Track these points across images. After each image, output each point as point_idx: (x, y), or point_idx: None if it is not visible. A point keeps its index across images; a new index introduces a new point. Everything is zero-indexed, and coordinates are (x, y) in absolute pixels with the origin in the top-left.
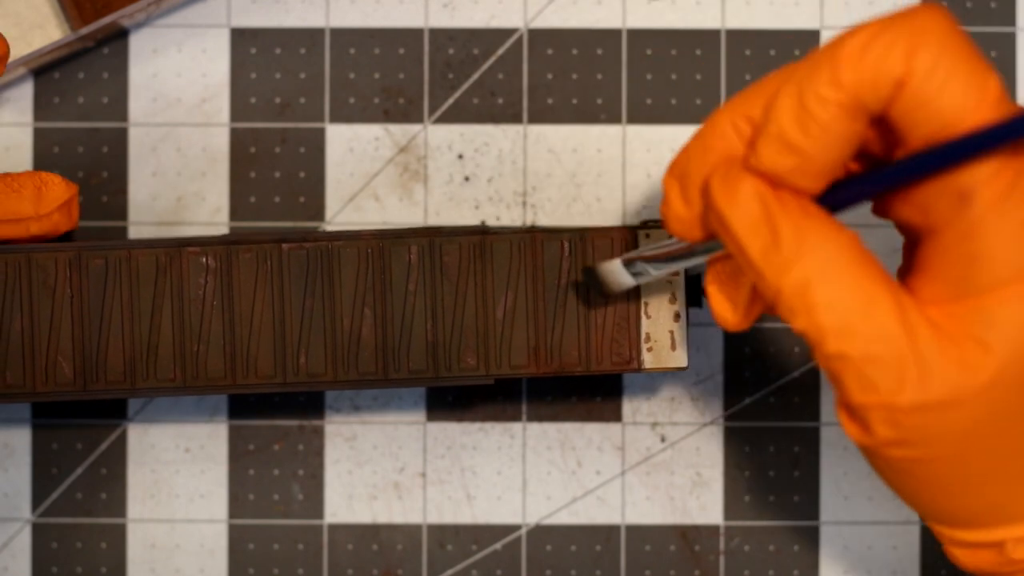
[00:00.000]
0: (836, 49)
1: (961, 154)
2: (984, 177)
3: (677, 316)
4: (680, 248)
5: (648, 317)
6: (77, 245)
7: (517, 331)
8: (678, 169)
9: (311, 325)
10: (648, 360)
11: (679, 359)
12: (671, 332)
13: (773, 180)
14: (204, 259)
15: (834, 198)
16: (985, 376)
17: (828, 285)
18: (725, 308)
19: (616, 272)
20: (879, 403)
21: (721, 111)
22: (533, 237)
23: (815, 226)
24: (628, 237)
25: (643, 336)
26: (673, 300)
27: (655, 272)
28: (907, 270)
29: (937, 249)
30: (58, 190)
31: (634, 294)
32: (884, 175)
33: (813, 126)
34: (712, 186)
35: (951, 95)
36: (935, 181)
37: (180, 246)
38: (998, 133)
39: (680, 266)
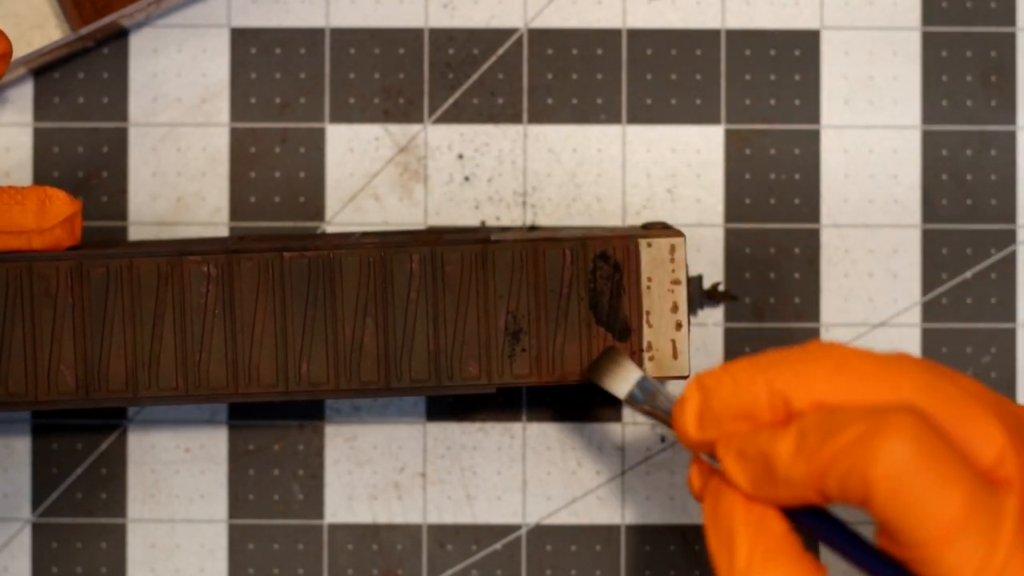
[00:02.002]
0: (814, 451)
1: None
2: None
3: (679, 325)
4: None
5: (650, 326)
6: (78, 254)
7: (519, 340)
8: (705, 390)
9: (313, 334)
10: (650, 369)
11: (681, 368)
12: (673, 341)
13: (752, 497)
14: (205, 268)
15: (809, 531)
16: None
17: None
18: (692, 424)
19: (626, 378)
20: None
21: (765, 371)
22: (535, 246)
23: (767, 562)
24: (629, 247)
25: (645, 345)
26: (675, 309)
27: (649, 403)
28: None
29: None
30: (62, 205)
31: (636, 302)
32: (862, 556)
33: (786, 493)
34: (705, 498)
35: (906, 525)
36: None
37: (181, 255)
38: None
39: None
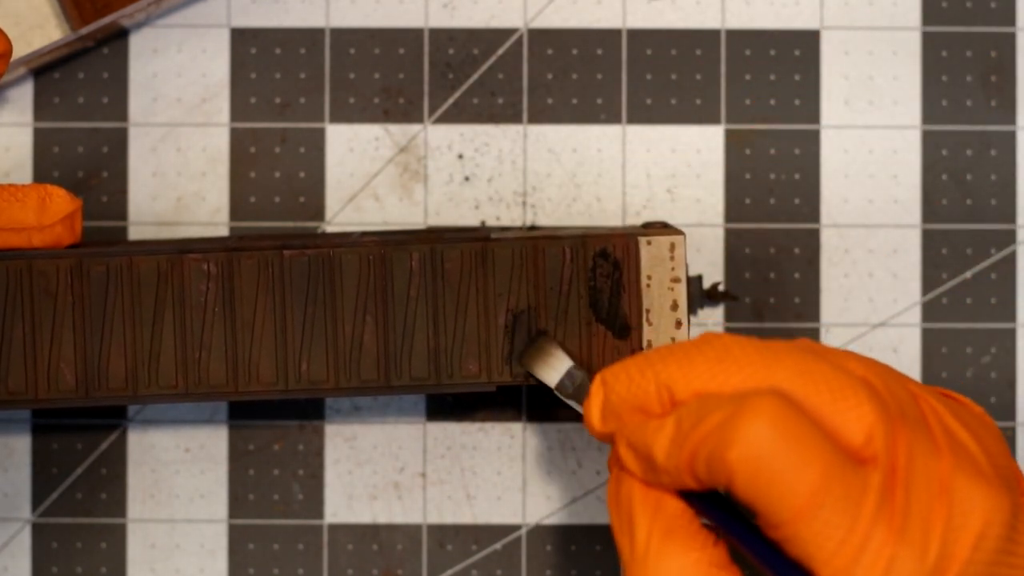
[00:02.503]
0: (685, 439)
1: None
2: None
3: (679, 323)
4: None
5: (650, 324)
6: (78, 252)
7: (519, 338)
8: (606, 385)
9: (313, 332)
10: None
11: None
12: (673, 339)
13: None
14: (205, 266)
15: (705, 513)
16: None
17: None
18: (596, 417)
19: (555, 364)
20: None
21: (654, 365)
22: (535, 244)
23: (664, 542)
24: (629, 245)
25: (645, 343)
26: (675, 307)
27: (575, 393)
28: None
29: None
30: (62, 203)
31: (635, 300)
32: (743, 538)
33: (667, 480)
34: (608, 485)
35: (767, 505)
36: None
37: (181, 253)
38: None
39: None
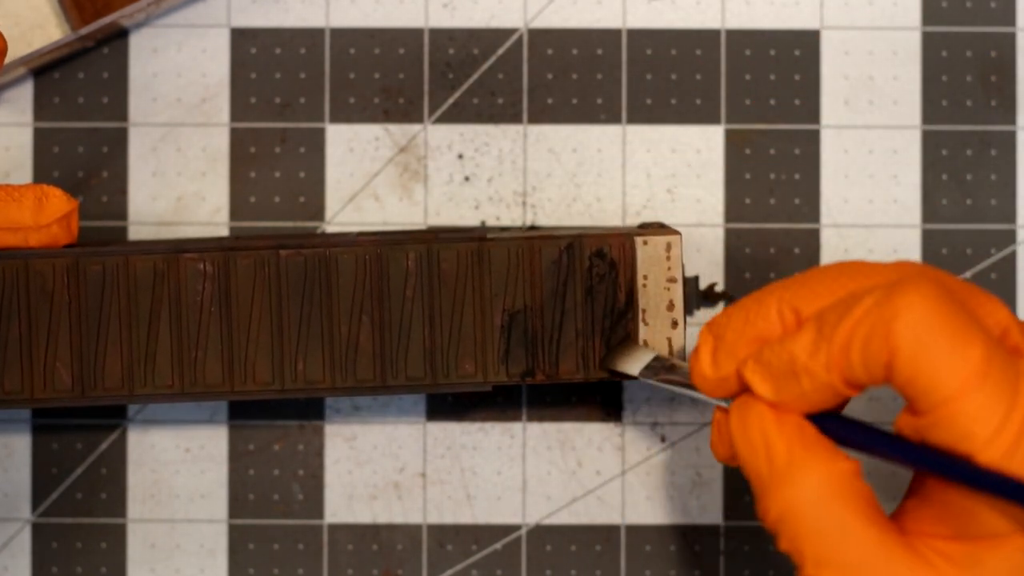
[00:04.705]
0: (833, 331)
1: (954, 478)
2: (985, 440)
3: (675, 323)
4: (699, 395)
5: (646, 324)
6: (75, 252)
7: (515, 338)
8: (717, 329)
9: (309, 332)
10: None
11: None
12: (669, 339)
13: (778, 405)
14: (202, 266)
15: (834, 434)
16: None
17: (810, 514)
18: (723, 442)
19: (640, 358)
20: None
21: (773, 292)
22: (531, 244)
23: (807, 454)
24: (625, 245)
25: (641, 343)
26: (671, 307)
27: (668, 382)
28: (914, 492)
29: (941, 491)
30: (59, 203)
31: (629, 300)
32: (884, 445)
33: (809, 386)
34: (731, 417)
35: (931, 378)
36: None
37: (178, 252)
38: (997, 486)
39: (694, 397)
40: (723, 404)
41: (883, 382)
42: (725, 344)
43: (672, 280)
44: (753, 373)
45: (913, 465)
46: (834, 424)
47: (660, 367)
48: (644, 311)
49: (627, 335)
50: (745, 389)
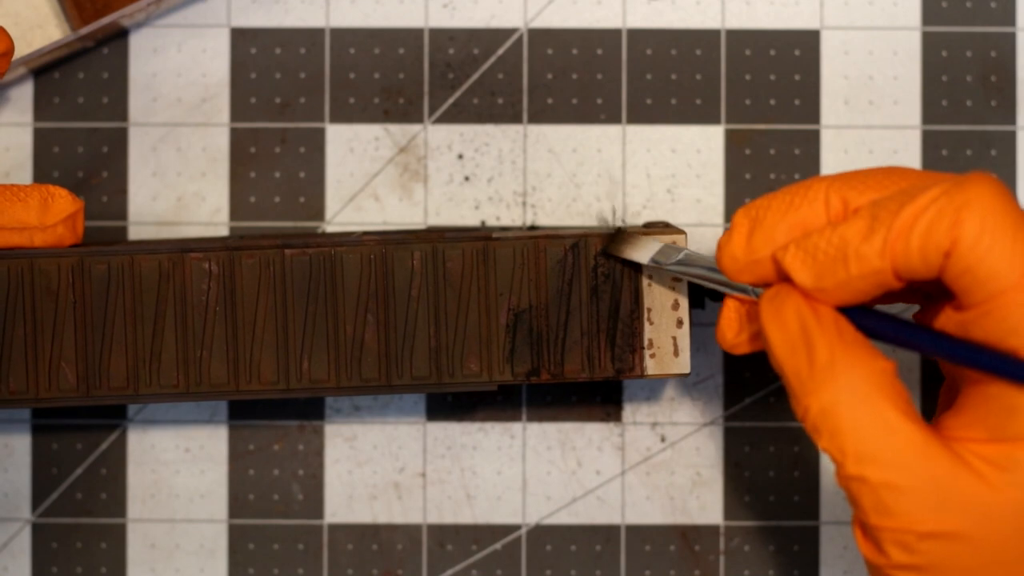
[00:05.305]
0: (892, 217)
1: (1000, 372)
2: None
3: (680, 322)
4: (719, 278)
5: (651, 323)
6: (80, 251)
7: (520, 337)
8: (754, 211)
9: (314, 331)
10: (651, 366)
11: (682, 365)
12: (674, 338)
13: (814, 294)
14: (207, 265)
15: (872, 329)
16: (1005, 513)
17: (852, 410)
18: (731, 327)
19: (646, 248)
20: (894, 527)
21: (823, 180)
22: (536, 243)
23: (848, 352)
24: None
25: (646, 342)
26: (676, 306)
27: (679, 269)
28: (946, 406)
29: (979, 394)
30: (64, 203)
31: (635, 299)
32: (925, 339)
33: (856, 271)
34: (761, 306)
35: (992, 266)
36: None
37: (183, 252)
38: None
39: (709, 283)
40: (746, 293)
41: (936, 273)
42: (763, 227)
43: (677, 279)
44: (794, 258)
45: (956, 358)
46: (873, 319)
47: (667, 257)
48: (649, 310)
49: (622, 229)
50: (775, 279)
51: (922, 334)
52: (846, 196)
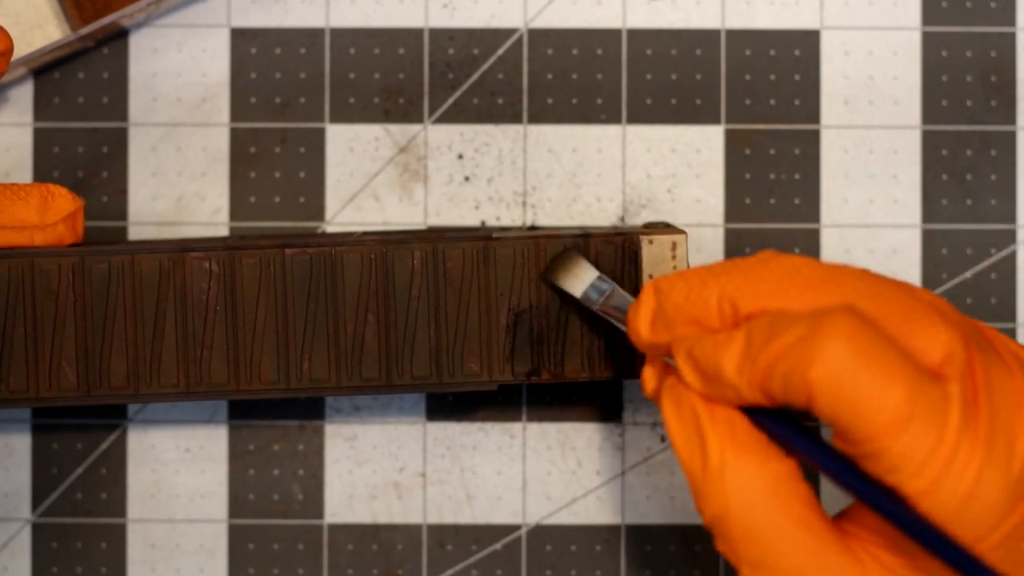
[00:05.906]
0: (759, 353)
1: (878, 510)
2: (910, 473)
3: None
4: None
5: None
6: (80, 250)
7: (521, 337)
8: (660, 293)
9: (315, 331)
10: None
11: None
12: None
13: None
14: (207, 264)
15: (768, 430)
16: None
17: (742, 519)
18: (652, 381)
19: (583, 277)
20: None
21: (718, 278)
22: (536, 243)
23: (739, 455)
24: (631, 243)
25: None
26: None
27: (604, 311)
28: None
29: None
30: (64, 202)
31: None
32: (813, 453)
33: (733, 396)
34: (663, 395)
35: (852, 421)
36: None
37: (183, 251)
38: (915, 531)
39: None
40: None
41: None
42: (664, 314)
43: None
44: (684, 363)
45: (841, 484)
46: (767, 421)
47: (600, 293)
48: None
49: (568, 248)
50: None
51: (813, 448)
52: (737, 302)
